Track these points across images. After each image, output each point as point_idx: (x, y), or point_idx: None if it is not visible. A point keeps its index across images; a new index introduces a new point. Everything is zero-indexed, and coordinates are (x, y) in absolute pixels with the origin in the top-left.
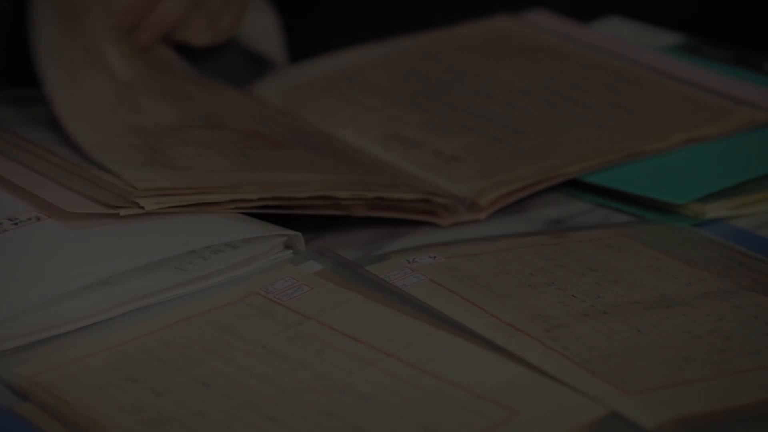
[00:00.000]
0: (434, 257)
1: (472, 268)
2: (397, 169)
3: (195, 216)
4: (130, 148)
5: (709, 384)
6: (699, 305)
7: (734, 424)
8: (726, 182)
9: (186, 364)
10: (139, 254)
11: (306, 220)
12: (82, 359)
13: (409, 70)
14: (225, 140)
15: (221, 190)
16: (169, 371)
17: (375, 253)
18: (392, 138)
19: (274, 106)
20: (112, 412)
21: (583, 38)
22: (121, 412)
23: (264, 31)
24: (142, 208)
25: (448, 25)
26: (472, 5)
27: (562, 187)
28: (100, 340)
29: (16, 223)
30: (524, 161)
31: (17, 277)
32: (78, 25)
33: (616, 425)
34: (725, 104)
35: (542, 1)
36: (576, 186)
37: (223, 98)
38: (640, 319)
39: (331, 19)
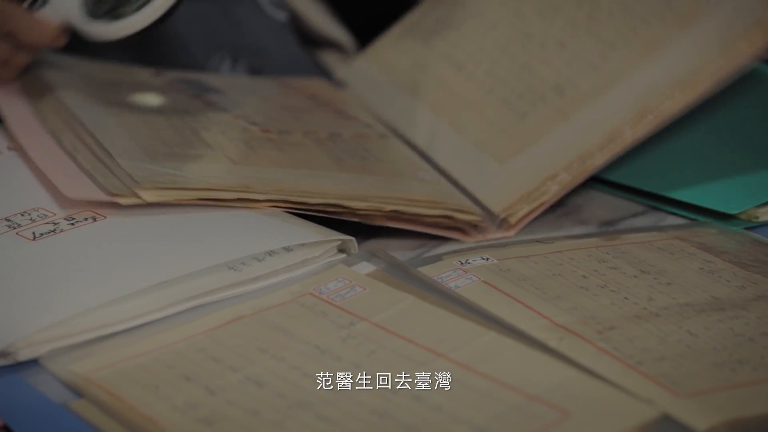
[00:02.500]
0: (487, 259)
1: (524, 270)
2: (432, 180)
3: (251, 218)
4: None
5: (762, 387)
6: (752, 308)
7: None
8: None
9: (239, 363)
10: (196, 258)
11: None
12: (136, 357)
13: None
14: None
15: (229, 189)
16: (223, 370)
17: (427, 255)
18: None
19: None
20: (166, 409)
21: None
22: (174, 410)
23: (325, 17)
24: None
25: None
26: None
27: (613, 189)
28: (155, 339)
29: (72, 223)
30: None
31: (73, 277)
32: None
33: (667, 428)
34: None
35: None
36: (627, 190)
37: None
38: (693, 322)
39: None
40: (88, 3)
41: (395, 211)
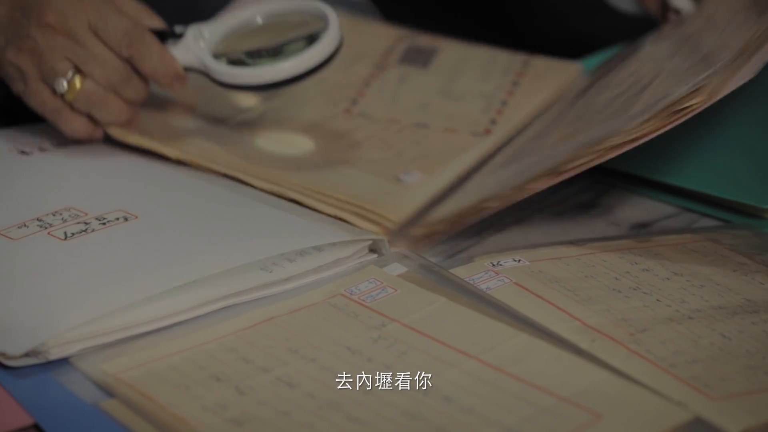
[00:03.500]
0: (519, 260)
1: (556, 272)
2: (404, 183)
3: (281, 217)
4: None
5: None
6: None
7: None
8: None
9: (270, 363)
10: (228, 258)
11: None
12: (167, 357)
13: None
14: None
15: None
16: (253, 370)
17: (459, 256)
18: None
19: None
20: (196, 409)
21: None
22: (205, 410)
23: None
24: None
25: None
26: None
27: (645, 189)
28: (185, 339)
29: (103, 223)
30: None
31: (104, 276)
32: None
33: (700, 430)
34: None
35: None
36: (659, 188)
37: None
38: (726, 325)
39: None
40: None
41: (294, 200)
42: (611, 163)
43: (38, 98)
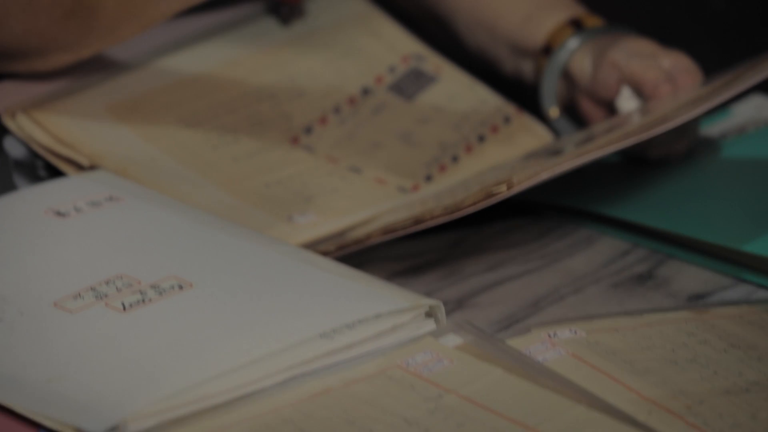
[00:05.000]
0: (575, 331)
1: (613, 343)
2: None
3: (338, 283)
4: None
5: None
6: None
7: None
8: None
9: None
10: (292, 329)
11: (451, 289)
12: (224, 429)
13: None
14: None
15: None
16: None
17: (515, 326)
18: None
19: None
20: None
21: None
22: None
23: None
24: None
25: None
26: None
27: (700, 260)
28: (242, 411)
29: (160, 292)
30: None
31: (174, 350)
32: None
33: None
34: None
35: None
36: (714, 256)
37: None
38: None
39: None
40: None
41: None
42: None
43: None
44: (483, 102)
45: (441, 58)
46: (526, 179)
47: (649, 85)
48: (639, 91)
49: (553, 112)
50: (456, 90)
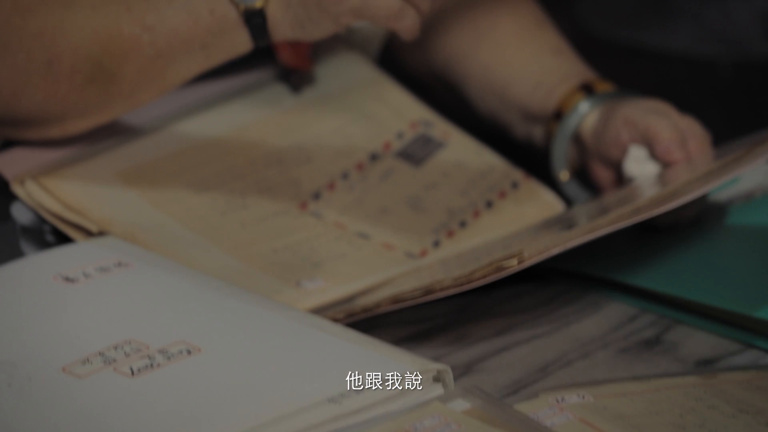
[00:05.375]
0: (583, 396)
1: (621, 408)
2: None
3: (345, 347)
4: None
5: None
6: None
7: None
8: None
9: None
10: (300, 394)
11: (459, 354)
12: None
13: None
14: None
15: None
16: None
17: (523, 391)
18: None
19: None
20: None
21: None
22: None
23: None
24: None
25: None
26: None
27: (707, 325)
28: None
29: (168, 357)
30: None
31: (183, 416)
32: None
33: None
34: None
35: None
36: (721, 321)
37: None
38: None
39: None
40: None
41: None
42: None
43: (380, 4)
44: (491, 167)
45: (449, 124)
46: (537, 254)
47: (664, 144)
48: (651, 149)
49: (564, 175)
50: (464, 156)
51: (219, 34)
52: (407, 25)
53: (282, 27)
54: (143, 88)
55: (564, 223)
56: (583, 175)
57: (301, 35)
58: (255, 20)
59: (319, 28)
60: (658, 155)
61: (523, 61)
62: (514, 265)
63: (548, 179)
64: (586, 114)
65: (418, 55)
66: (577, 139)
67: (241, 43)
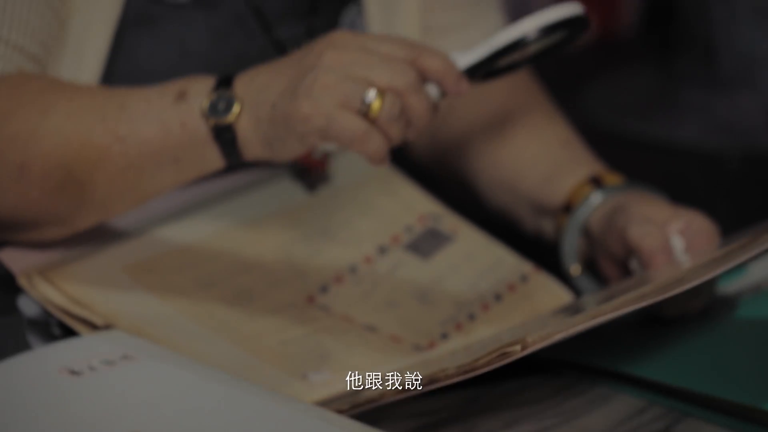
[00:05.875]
0: None
1: None
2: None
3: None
4: None
5: None
6: None
7: None
8: None
9: None
10: None
11: None
12: None
13: None
14: None
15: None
16: None
17: None
18: None
19: None
20: None
21: None
22: None
23: None
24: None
25: None
26: None
27: (718, 418)
28: None
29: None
30: None
31: None
32: None
33: None
34: None
35: None
36: (731, 415)
37: None
38: None
39: None
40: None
41: None
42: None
43: (345, 126)
44: (500, 260)
45: (458, 218)
46: (541, 340)
47: (645, 253)
48: (638, 258)
49: (575, 270)
50: (473, 249)
51: (190, 148)
52: (372, 150)
53: (252, 145)
54: (116, 199)
55: (570, 310)
56: (593, 267)
57: (270, 154)
58: (225, 136)
59: (286, 147)
60: (644, 265)
61: (533, 154)
62: (517, 351)
63: (558, 270)
64: (595, 207)
65: (429, 148)
66: (587, 233)
67: (212, 159)
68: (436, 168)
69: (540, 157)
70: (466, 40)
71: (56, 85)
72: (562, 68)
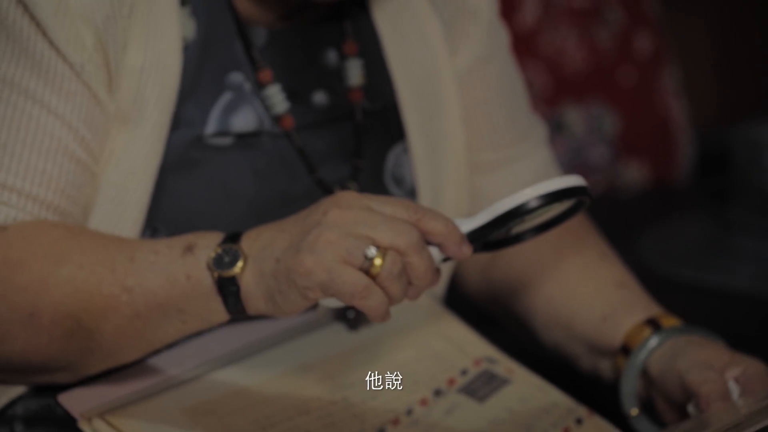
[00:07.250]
0: None
1: None
2: None
3: None
4: None
5: None
6: None
7: None
8: None
9: None
10: None
11: None
12: None
13: None
14: None
15: None
16: None
17: None
18: None
19: None
20: None
21: None
22: None
23: None
24: None
25: None
26: None
27: None
28: None
29: None
30: None
31: None
32: None
33: None
34: None
35: None
36: None
37: None
38: None
39: None
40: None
41: None
42: None
43: (346, 280)
44: (555, 404)
45: (513, 361)
46: None
47: (704, 398)
48: (696, 402)
49: (634, 411)
50: (528, 392)
51: (194, 299)
52: (373, 306)
53: (255, 298)
54: (123, 346)
55: None
56: (651, 407)
57: (273, 309)
58: (229, 288)
59: (288, 301)
60: (701, 410)
61: (588, 294)
62: None
63: (614, 409)
64: (654, 349)
65: (483, 285)
66: (645, 375)
67: (216, 311)
68: (490, 305)
69: (595, 296)
70: (514, 175)
71: (70, 236)
72: (615, 216)
